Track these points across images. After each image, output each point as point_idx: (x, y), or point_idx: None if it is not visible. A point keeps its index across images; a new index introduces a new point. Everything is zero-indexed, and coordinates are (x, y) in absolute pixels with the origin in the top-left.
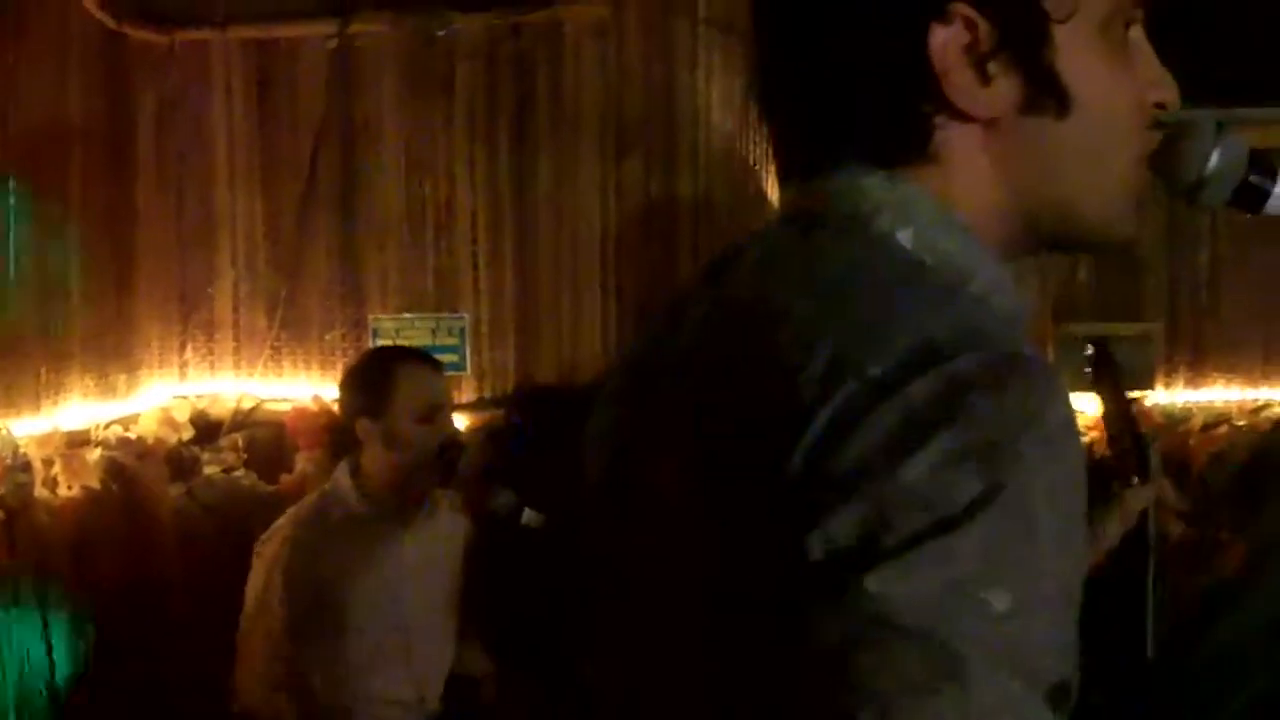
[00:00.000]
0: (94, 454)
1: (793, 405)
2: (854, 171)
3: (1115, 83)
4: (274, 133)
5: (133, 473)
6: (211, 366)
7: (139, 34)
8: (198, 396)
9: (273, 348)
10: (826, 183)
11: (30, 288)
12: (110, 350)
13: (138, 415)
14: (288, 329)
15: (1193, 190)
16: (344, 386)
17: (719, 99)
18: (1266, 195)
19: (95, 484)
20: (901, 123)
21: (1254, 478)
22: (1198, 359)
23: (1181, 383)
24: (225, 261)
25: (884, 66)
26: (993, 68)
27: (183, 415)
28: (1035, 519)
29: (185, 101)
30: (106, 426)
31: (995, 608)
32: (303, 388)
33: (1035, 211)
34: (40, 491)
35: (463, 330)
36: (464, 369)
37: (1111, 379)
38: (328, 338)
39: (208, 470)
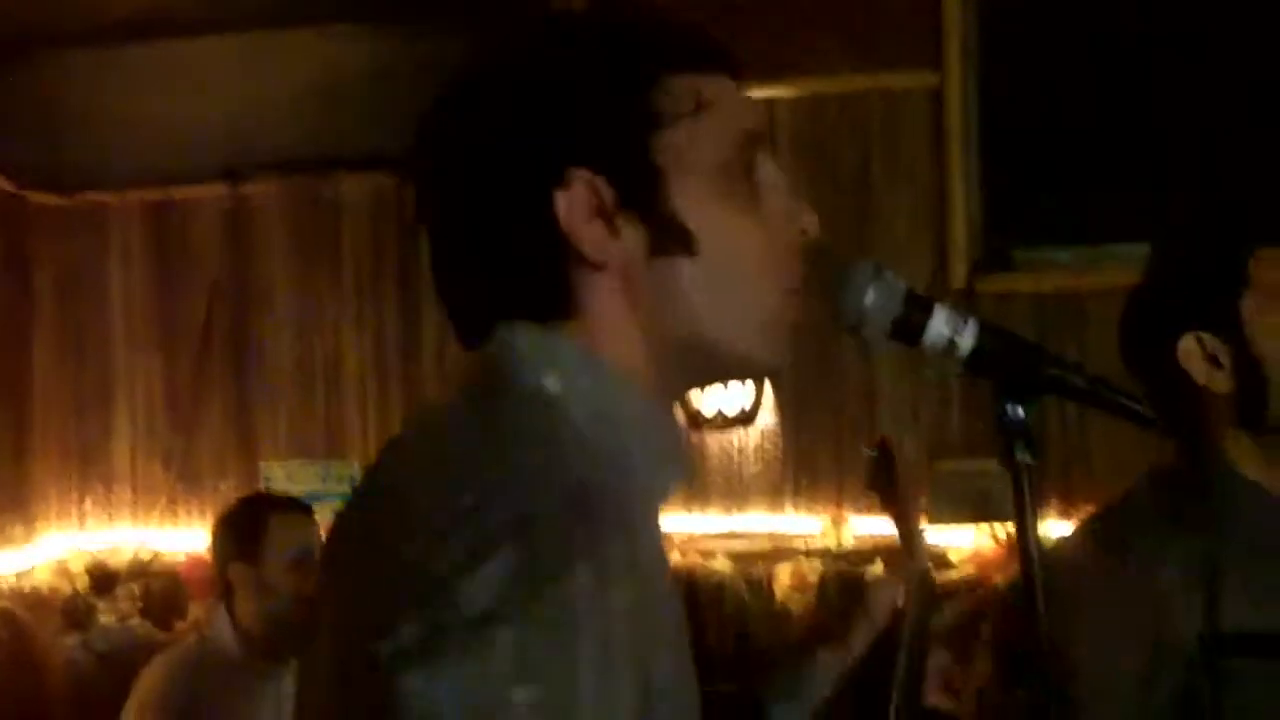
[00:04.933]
0: None
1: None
2: (508, 330)
3: (739, 223)
4: (170, 292)
5: (24, 623)
6: (110, 518)
7: (38, 197)
8: (97, 548)
9: (169, 499)
10: (486, 345)
11: None
12: (5, 503)
13: (33, 567)
14: (184, 480)
15: (854, 326)
16: (216, 533)
17: None
18: (921, 329)
19: None
20: (543, 284)
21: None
22: (1068, 491)
23: (1053, 513)
24: (123, 418)
25: (518, 234)
26: (619, 221)
27: (78, 566)
28: (574, 632)
29: (84, 264)
30: (1, 577)
31: (523, 700)
32: (198, 537)
33: (680, 346)
34: None
35: (352, 477)
36: None
37: (888, 474)
38: (222, 487)
39: (103, 619)
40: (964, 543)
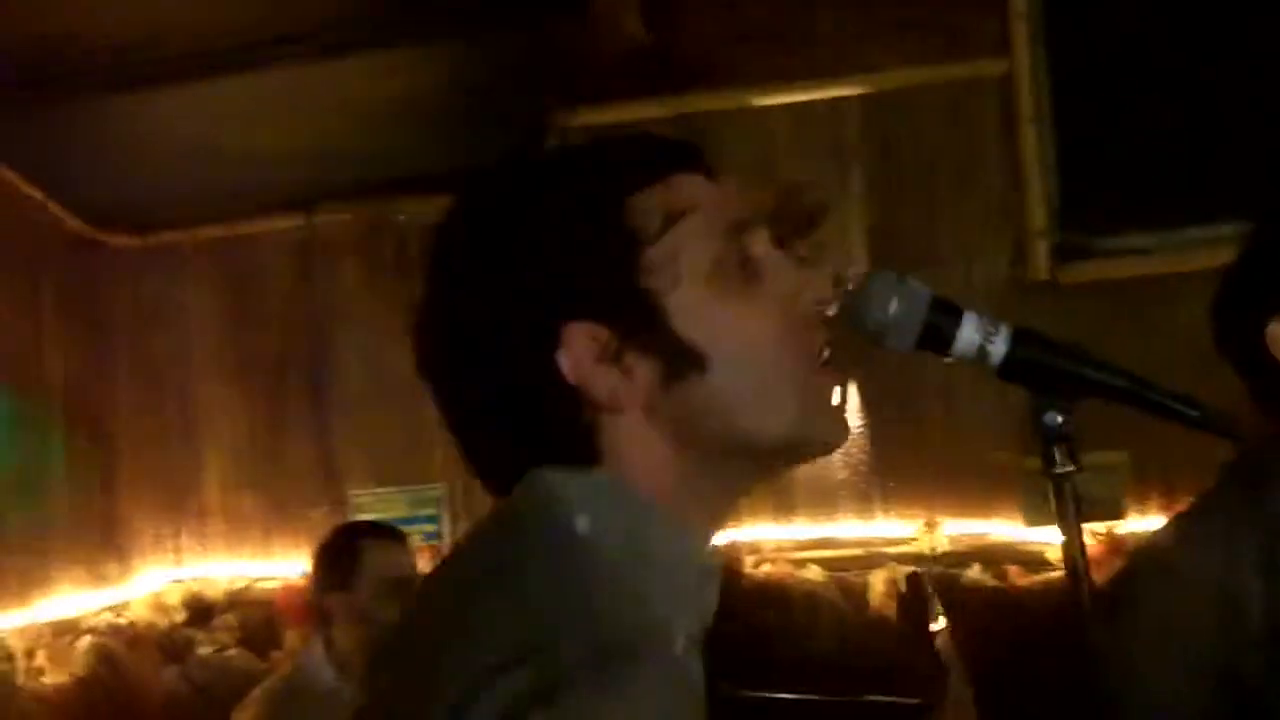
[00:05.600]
0: (83, 641)
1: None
2: (539, 474)
3: (745, 316)
4: (247, 324)
5: (121, 658)
6: (204, 550)
7: (113, 239)
8: (193, 580)
9: (262, 529)
10: (517, 487)
11: (11, 487)
12: (98, 541)
13: (129, 602)
14: (275, 510)
15: (878, 336)
16: (314, 563)
17: None
18: (951, 338)
19: (81, 671)
20: (566, 437)
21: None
22: (1170, 485)
23: (1155, 509)
24: (210, 450)
25: (530, 398)
26: (628, 359)
27: (174, 599)
28: None
29: (161, 301)
30: (97, 614)
31: None
32: (293, 565)
33: (721, 455)
34: (24, 681)
35: (438, 500)
36: (440, 539)
37: (920, 608)
38: (313, 515)
39: (201, 651)
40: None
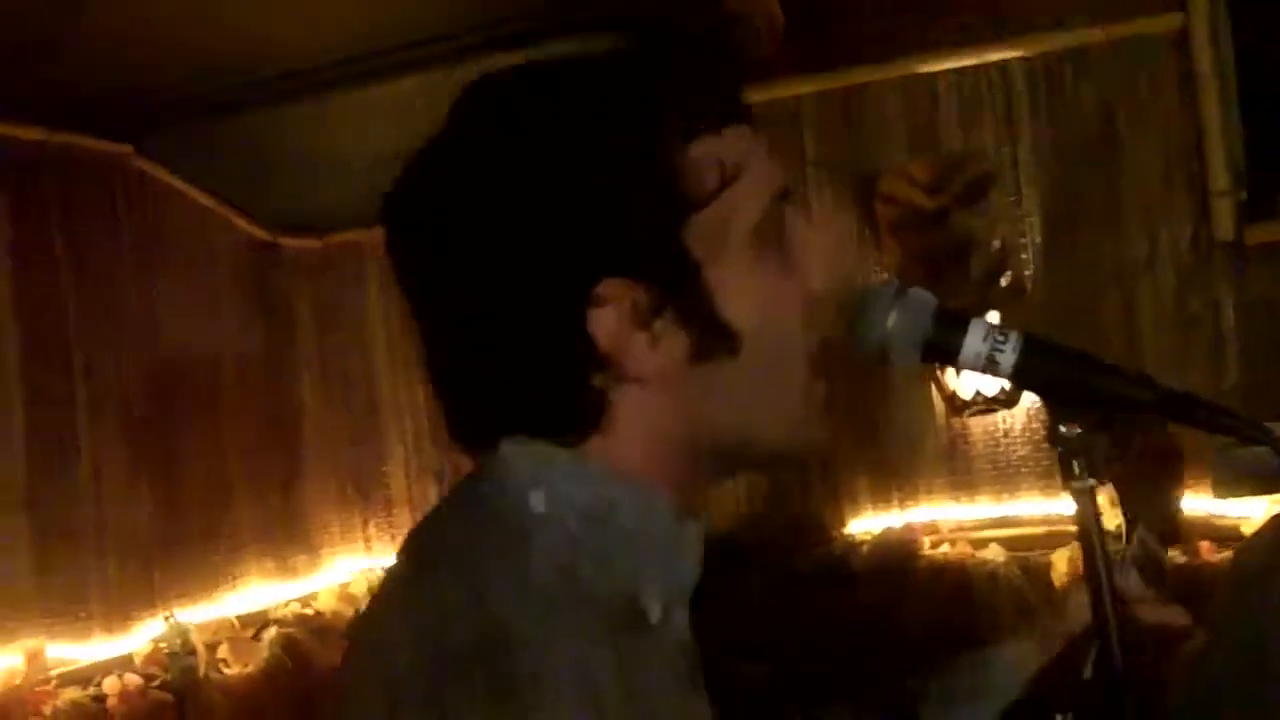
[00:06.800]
0: (269, 632)
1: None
2: (510, 448)
3: (780, 291)
4: None
5: (307, 648)
6: (393, 539)
7: (292, 243)
8: (380, 570)
9: None
10: (485, 457)
11: (199, 484)
12: (284, 535)
13: (317, 593)
14: None
15: (880, 353)
16: None
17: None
18: (957, 349)
19: (262, 663)
20: (565, 400)
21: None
22: None
23: None
24: (394, 442)
25: (540, 350)
26: (659, 327)
27: (361, 589)
28: None
29: (341, 299)
30: (285, 605)
31: None
32: None
33: (712, 447)
34: (207, 674)
35: None
36: None
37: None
38: None
39: None
40: (1258, 514)
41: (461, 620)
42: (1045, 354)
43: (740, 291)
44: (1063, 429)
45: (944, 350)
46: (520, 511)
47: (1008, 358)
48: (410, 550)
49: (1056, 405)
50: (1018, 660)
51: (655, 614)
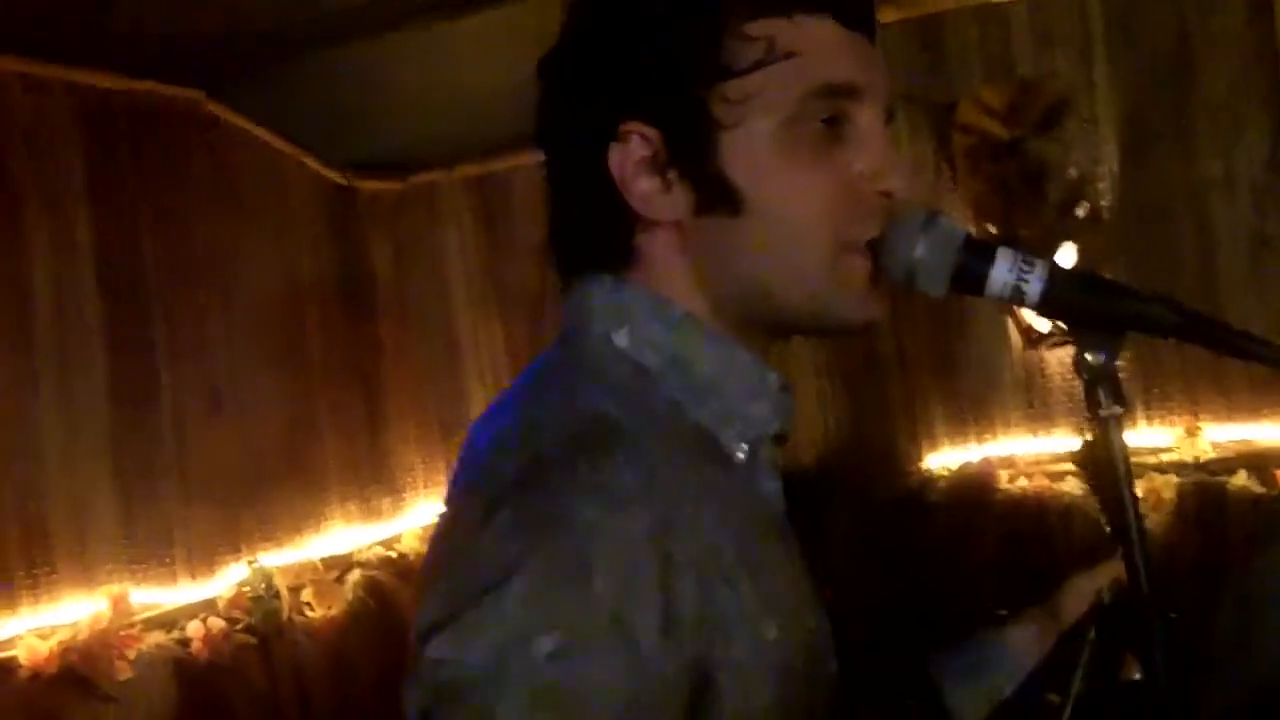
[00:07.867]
0: (353, 574)
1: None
2: (585, 282)
3: (798, 179)
4: (502, 259)
5: (390, 590)
6: None
7: (369, 185)
8: None
9: None
10: (570, 295)
11: (282, 428)
12: (369, 477)
13: (400, 535)
14: None
15: (907, 278)
16: None
17: None
18: (984, 279)
19: (345, 607)
20: (605, 234)
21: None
22: None
23: None
24: (474, 382)
25: (580, 187)
26: (671, 175)
27: None
28: (587, 568)
29: (418, 241)
30: (369, 548)
31: (542, 650)
32: None
33: (739, 299)
34: (291, 616)
35: None
36: None
37: None
38: None
39: None
40: None
41: (557, 417)
42: (1071, 282)
43: (750, 161)
44: (1089, 357)
45: (971, 279)
46: (604, 344)
47: (1034, 287)
48: (518, 380)
49: (1083, 334)
50: (1021, 643)
51: (739, 453)
